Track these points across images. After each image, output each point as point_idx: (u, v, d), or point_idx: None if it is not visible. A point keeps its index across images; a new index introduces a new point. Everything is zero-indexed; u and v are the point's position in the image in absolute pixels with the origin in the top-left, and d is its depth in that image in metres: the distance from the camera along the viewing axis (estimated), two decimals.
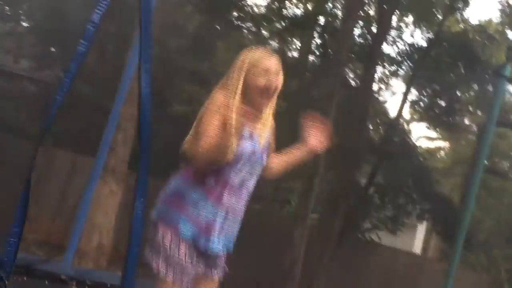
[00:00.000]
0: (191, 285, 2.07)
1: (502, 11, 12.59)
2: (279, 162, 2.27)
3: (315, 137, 2.18)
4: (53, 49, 10.35)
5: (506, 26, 12.76)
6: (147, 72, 1.71)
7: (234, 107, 2.02)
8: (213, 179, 1.99)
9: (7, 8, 10.37)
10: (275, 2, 11.18)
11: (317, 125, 2.18)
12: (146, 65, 1.71)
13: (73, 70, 1.73)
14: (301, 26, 11.30)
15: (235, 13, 10.97)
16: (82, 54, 1.72)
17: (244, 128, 2.00)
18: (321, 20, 11.34)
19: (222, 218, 2.02)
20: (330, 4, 11.34)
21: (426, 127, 15.81)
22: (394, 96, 14.66)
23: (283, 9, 11.35)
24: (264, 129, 2.10)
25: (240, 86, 2.02)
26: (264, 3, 11.86)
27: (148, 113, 1.70)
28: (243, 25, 11.23)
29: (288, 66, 11.35)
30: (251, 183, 2.08)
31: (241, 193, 2.07)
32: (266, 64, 2.06)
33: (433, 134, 17.36)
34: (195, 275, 2.08)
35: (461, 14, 11.95)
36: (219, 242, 2.02)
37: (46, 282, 4.02)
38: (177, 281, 2.00)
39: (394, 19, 11.29)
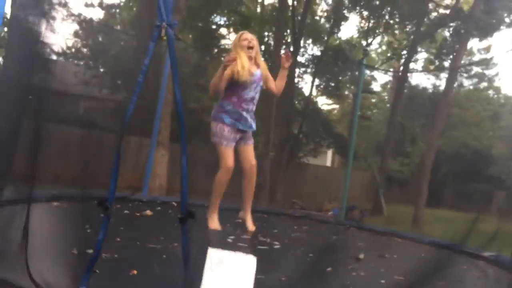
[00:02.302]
0: (234, 148, 3.52)
1: (358, 30, 17.22)
2: (278, 83, 3.69)
3: (286, 63, 3.50)
4: (119, 82, 14.03)
5: (361, 38, 17.17)
6: (178, 88, 2.03)
7: (242, 58, 3.45)
8: (235, 97, 3.50)
9: (91, 62, 14.52)
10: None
11: (285, 57, 3.50)
12: (176, 83, 2.02)
13: (137, 92, 2.05)
14: None
15: (216, 49, 15.88)
16: (141, 82, 2.05)
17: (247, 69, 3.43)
18: (262, 47, 15.09)
19: (243, 115, 3.50)
20: (266, 38, 16.03)
21: (325, 98, 20.40)
22: (306, 84, 19.58)
23: None
24: (256, 69, 3.50)
25: (238, 49, 3.48)
26: (230, 41, 15.63)
27: (182, 108, 1.98)
28: (221, 55, 15.37)
29: None
30: (256, 97, 3.56)
31: (251, 102, 3.55)
32: (242, 35, 3.58)
33: (329, 101, 22.12)
34: (236, 142, 3.52)
35: (337, 35, 17.00)
36: (244, 125, 3.54)
37: (137, 203, 4.95)
38: (226, 145, 3.49)
39: (302, 42, 15.53)
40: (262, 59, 3.78)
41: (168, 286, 2.26)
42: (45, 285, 1.89)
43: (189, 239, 1.86)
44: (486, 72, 22.21)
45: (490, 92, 23.80)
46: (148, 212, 4.30)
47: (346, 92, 19.15)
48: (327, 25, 16.59)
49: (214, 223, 3.61)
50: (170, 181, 10.13)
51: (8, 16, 3.86)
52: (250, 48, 3.52)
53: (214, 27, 16.01)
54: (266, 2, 17.23)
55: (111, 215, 1.93)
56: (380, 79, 35.29)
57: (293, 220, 5.89)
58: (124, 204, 4.59)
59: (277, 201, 12.86)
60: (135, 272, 2.38)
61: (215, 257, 1.86)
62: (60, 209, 3.78)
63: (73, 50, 15.08)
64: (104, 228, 1.91)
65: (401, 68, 17.20)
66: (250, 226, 3.66)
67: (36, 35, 2.88)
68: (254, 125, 3.65)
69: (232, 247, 3.20)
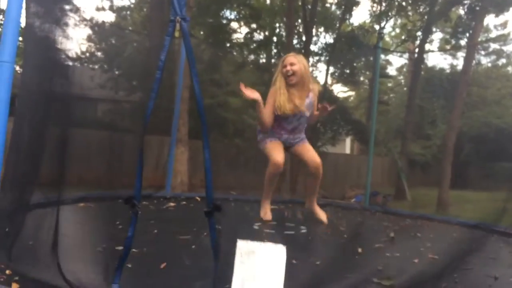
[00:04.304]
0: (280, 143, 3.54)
1: (370, 14, 16.93)
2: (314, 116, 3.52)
3: (321, 111, 3.40)
4: (134, 83, 14.32)
5: (374, 22, 16.94)
6: (197, 82, 2.05)
7: (281, 88, 3.32)
8: (276, 125, 3.47)
9: (105, 65, 14.70)
10: (248, 34, 15.97)
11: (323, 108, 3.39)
12: (196, 78, 2.04)
13: (155, 89, 2.06)
14: (264, 44, 15.96)
15: (228, 44, 15.86)
16: (159, 78, 2.07)
17: (291, 98, 3.32)
18: (274, 39, 16.04)
19: (285, 141, 3.55)
20: (278, 29, 16.10)
21: (341, 85, 20.42)
22: (321, 72, 19.46)
23: (252, 37, 16.02)
24: (302, 96, 3.33)
25: (280, 76, 3.35)
26: (242, 35, 16.45)
27: (202, 104, 2.00)
28: (233, 49, 15.95)
29: (261, 67, 16.34)
30: (301, 127, 3.45)
31: (293, 132, 3.50)
32: (284, 60, 3.41)
33: (345, 88, 21.96)
34: (287, 144, 3.58)
35: (349, 21, 16.59)
36: (286, 143, 3.54)
37: (162, 200, 5.09)
38: (271, 140, 3.50)
39: (314, 31, 15.58)
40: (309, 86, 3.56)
41: (199, 278, 2.28)
42: (78, 283, 1.92)
43: (217, 232, 1.87)
44: (504, 48, 21.84)
45: (510, 68, 23.43)
46: (172, 204, 4.35)
47: (362, 78, 19.35)
48: (338, 12, 16.37)
49: (266, 215, 3.61)
50: (191, 178, 10.26)
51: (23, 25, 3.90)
52: (291, 75, 3.34)
53: (224, 22, 15.97)
54: None
55: (139, 212, 1.96)
56: (396, 63, 35.23)
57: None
58: (149, 201, 4.65)
59: (299, 192, 12.85)
60: (165, 265, 2.40)
61: (244, 248, 1.86)
62: (88, 209, 3.86)
63: (87, 54, 15.26)
64: (132, 225, 1.94)
65: (417, 49, 16.91)
66: (323, 217, 3.67)
67: (52, 42, 2.94)
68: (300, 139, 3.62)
69: (260, 234, 3.24)
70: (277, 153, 3.42)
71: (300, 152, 3.61)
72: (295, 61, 3.36)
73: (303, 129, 3.56)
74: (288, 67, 3.33)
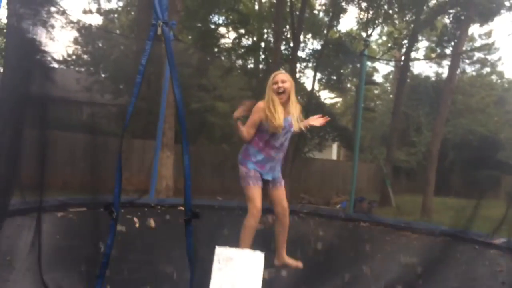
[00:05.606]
0: (262, 187, 3.34)
1: (357, 22, 16.69)
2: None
3: (313, 121, 3.45)
4: (121, 86, 14.46)
5: (361, 30, 17.00)
6: (177, 87, 2.10)
7: (275, 107, 3.22)
8: (262, 143, 3.33)
9: (92, 68, 14.65)
10: (236, 39, 15.99)
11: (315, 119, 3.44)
12: (176, 83, 2.10)
13: (136, 93, 2.14)
14: (252, 50, 16.01)
15: (216, 49, 15.86)
16: (139, 83, 2.12)
17: (283, 115, 3.25)
18: (262, 44, 15.97)
19: (268, 163, 3.36)
20: (266, 35, 16.09)
21: (328, 92, 20.58)
22: (308, 78, 19.41)
23: (240, 42, 16.05)
24: (293, 113, 3.33)
25: (270, 93, 3.25)
26: (230, 40, 16.37)
27: (182, 109, 2.07)
28: (221, 54, 15.96)
29: (248, 72, 16.30)
30: (286, 144, 3.38)
31: (280, 149, 3.36)
32: (275, 77, 3.31)
33: (332, 95, 22.17)
34: (263, 183, 3.35)
35: (336, 28, 16.80)
36: (267, 174, 3.37)
37: (145, 209, 5.17)
38: (254, 184, 3.31)
39: (302, 37, 15.38)
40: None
41: None
42: None
43: (194, 239, 1.85)
44: (488, 57, 22.26)
45: (493, 77, 23.81)
46: (152, 224, 4.27)
47: (349, 85, 19.37)
48: (326, 19, 16.49)
49: None
50: (177, 182, 10.13)
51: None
52: (282, 93, 3.27)
53: (213, 26, 15.98)
54: None
55: (118, 220, 1.94)
56: (382, 70, 35.51)
57: (302, 220, 5.81)
58: (131, 211, 4.56)
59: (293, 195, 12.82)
60: None
61: (223, 255, 1.86)
62: (68, 219, 3.78)
63: (73, 57, 15.11)
64: (112, 232, 1.93)
65: (403, 57, 17.10)
66: (295, 264, 3.46)
67: (36, 44, 2.89)
68: (279, 173, 3.43)
69: None
70: (258, 199, 3.29)
71: (274, 196, 3.47)
72: (285, 79, 3.31)
73: (287, 147, 3.45)
74: (280, 84, 3.26)
